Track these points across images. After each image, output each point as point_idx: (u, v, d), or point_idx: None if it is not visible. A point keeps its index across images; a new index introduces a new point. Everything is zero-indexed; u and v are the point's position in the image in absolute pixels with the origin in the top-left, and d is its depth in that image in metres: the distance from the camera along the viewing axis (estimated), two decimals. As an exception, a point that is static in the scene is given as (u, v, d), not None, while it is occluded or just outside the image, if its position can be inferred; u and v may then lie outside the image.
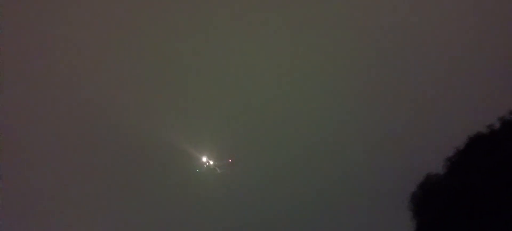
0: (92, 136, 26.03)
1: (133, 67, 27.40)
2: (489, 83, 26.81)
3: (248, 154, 29.32)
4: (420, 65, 27.96)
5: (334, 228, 27.41)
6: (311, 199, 27.82)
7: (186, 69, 28.08)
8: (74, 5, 26.13)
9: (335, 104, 28.12)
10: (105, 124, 26.40)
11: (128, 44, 26.70)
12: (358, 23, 28.22)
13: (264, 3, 28.27)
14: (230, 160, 29.81)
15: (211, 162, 29.41)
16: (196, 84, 28.61)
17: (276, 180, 28.85)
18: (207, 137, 29.77)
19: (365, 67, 28.32)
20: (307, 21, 28.72)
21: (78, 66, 25.67)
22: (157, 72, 27.86)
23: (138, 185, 27.40)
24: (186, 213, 28.18)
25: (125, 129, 27.35)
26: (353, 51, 28.29)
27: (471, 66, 27.71)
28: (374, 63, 28.76)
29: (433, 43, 28.05)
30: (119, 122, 27.28)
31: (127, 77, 27.23)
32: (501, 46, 27.00)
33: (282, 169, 28.85)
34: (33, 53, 25.40)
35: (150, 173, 27.89)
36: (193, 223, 28.22)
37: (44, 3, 25.97)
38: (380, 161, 27.39)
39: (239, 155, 29.61)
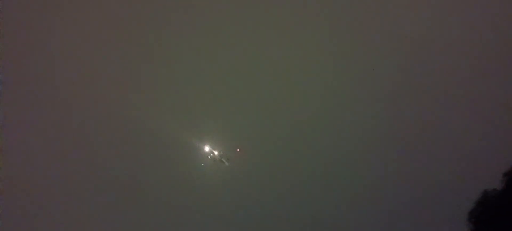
0: (87, 131, 23.69)
1: (131, 58, 25.37)
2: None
3: (260, 141, 26.42)
4: (470, 71, 26.71)
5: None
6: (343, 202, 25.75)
7: (184, 54, 25.75)
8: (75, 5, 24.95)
9: (366, 100, 26.40)
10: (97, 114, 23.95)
11: (129, 37, 25.64)
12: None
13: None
14: (238, 150, 25.88)
15: (216, 153, 25.40)
16: (193, 67, 25.97)
17: (297, 174, 26.39)
18: (206, 121, 26.16)
19: (413, 66, 26.57)
20: (323, 15, 26.95)
21: (78, 60, 24.49)
22: (151, 58, 25.55)
23: (132, 184, 24.49)
24: (190, 217, 25.29)
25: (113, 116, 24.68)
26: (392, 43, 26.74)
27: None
28: (424, 64, 27.15)
29: (488, 46, 26.85)
30: (108, 108, 24.64)
31: (124, 67, 25.17)
32: None
33: (305, 160, 26.34)
34: (33, 53, 24.14)
35: (145, 167, 24.89)
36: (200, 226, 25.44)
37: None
38: (433, 175, 25.98)
39: (249, 142, 26.23)
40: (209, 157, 25.32)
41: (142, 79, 24.87)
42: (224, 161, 25.26)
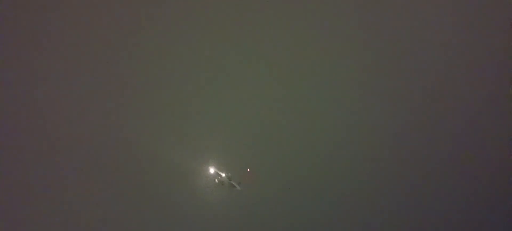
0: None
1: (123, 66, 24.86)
2: None
3: (271, 157, 23.95)
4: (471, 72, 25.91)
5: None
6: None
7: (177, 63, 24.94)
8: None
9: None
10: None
11: (130, 57, 24.81)
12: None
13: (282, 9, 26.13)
14: (248, 169, 23.43)
15: (223, 175, 22.98)
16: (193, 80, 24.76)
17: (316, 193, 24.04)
18: (209, 138, 23.65)
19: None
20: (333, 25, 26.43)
21: (75, 68, 24.00)
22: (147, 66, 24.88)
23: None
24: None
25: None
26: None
27: None
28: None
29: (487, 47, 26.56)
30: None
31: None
32: None
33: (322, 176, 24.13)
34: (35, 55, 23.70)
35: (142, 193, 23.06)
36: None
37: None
38: (435, 176, 24.72)
39: (259, 160, 23.83)
40: (216, 180, 23.18)
41: (138, 94, 24.24)
42: (234, 184, 23.12)
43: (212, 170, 23.35)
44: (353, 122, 25.11)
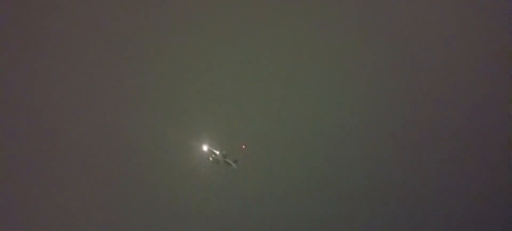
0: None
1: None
2: None
3: (268, 134, 23.83)
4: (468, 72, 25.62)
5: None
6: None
7: (180, 52, 25.10)
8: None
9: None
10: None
11: (127, 37, 25.01)
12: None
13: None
14: (243, 146, 22.82)
15: (217, 152, 22.23)
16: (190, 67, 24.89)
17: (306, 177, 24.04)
18: (206, 120, 23.28)
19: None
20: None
21: (74, 62, 24.32)
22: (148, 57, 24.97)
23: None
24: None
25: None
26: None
27: None
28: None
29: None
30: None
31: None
32: None
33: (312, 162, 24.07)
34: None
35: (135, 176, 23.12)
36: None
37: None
38: (433, 176, 24.21)
39: (255, 136, 23.50)
40: (210, 158, 22.39)
41: (138, 80, 24.33)
42: (230, 162, 22.36)
43: (205, 148, 22.82)
44: (350, 113, 25.27)
